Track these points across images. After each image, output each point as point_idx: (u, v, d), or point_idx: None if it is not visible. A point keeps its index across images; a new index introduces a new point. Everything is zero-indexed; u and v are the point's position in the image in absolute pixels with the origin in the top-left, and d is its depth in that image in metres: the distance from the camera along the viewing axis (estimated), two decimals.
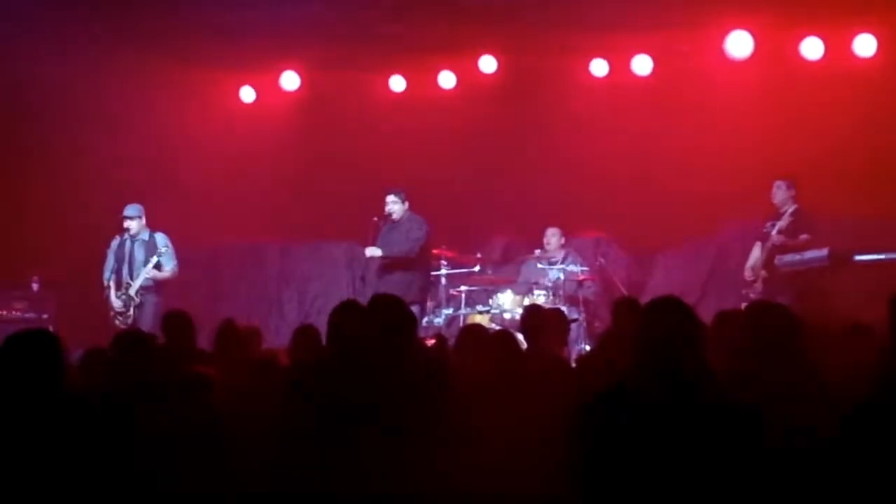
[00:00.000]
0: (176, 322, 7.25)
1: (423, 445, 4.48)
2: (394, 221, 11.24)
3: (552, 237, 12.34)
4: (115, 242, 11.35)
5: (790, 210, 10.60)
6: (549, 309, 8.07)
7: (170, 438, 4.47)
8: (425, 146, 13.40)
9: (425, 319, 11.61)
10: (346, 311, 5.23)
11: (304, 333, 6.57)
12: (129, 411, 4.47)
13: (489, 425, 4.87)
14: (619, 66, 13.05)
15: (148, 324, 10.72)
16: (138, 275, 11.08)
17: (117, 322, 11.05)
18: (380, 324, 4.98)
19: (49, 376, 4.21)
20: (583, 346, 11.11)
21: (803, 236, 10.34)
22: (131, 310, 11.07)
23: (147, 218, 11.32)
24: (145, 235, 11.25)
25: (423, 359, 5.30)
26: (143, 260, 11.11)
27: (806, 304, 9.44)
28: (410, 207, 11.32)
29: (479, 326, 7.57)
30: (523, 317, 7.05)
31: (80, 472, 4.01)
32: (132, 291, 11.07)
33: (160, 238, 11.21)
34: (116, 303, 11.13)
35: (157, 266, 11.11)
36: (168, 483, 4.36)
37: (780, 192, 10.72)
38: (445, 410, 4.71)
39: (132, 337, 5.96)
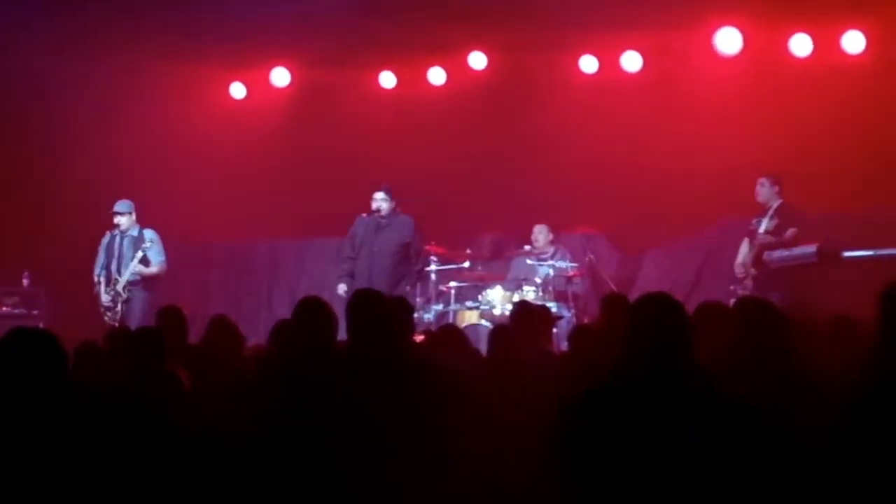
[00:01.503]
0: (169, 317, 7.26)
1: (409, 442, 4.48)
2: (377, 219, 11.16)
3: (539, 234, 12.36)
4: (105, 239, 11.36)
5: (775, 206, 10.63)
6: (536, 306, 8.09)
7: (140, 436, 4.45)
8: (415, 142, 13.41)
9: (415, 315, 11.63)
10: (317, 309, 5.20)
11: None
12: (125, 407, 4.46)
13: (479, 422, 4.88)
14: (609, 62, 13.05)
15: (136, 319, 10.73)
16: (126, 270, 11.09)
17: (106, 318, 11.06)
18: (363, 320, 4.95)
19: (53, 375, 4.18)
20: None
21: (790, 230, 10.35)
22: (119, 305, 11.07)
23: (137, 214, 11.32)
24: (135, 232, 11.25)
25: (411, 355, 5.28)
26: (132, 256, 11.11)
27: (794, 300, 9.48)
28: (397, 205, 11.28)
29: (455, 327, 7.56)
30: (513, 313, 7.07)
31: (81, 469, 4.01)
32: (119, 287, 11.07)
33: (148, 234, 11.22)
34: (105, 298, 11.13)
35: (144, 261, 11.10)
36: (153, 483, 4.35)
37: (763, 190, 10.75)
38: (434, 407, 4.71)
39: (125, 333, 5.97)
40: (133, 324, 10.45)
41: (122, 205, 11.26)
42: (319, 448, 4.45)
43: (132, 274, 11.08)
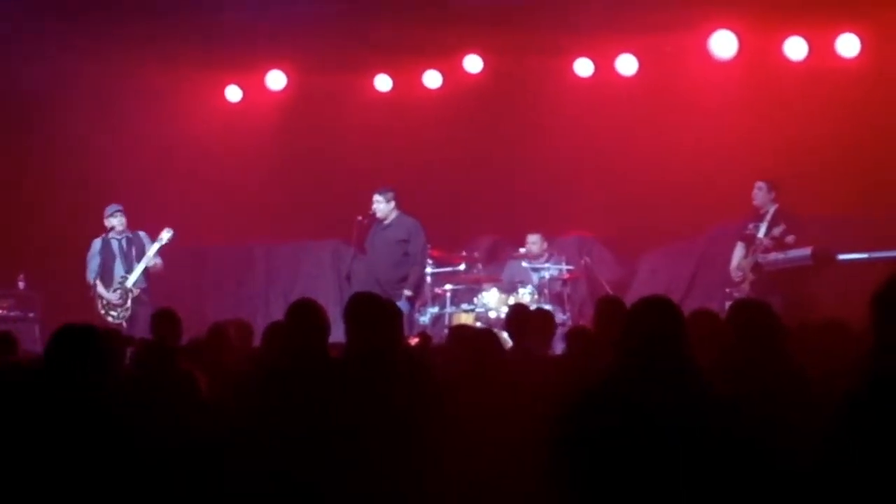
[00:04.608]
0: (165, 320, 7.26)
1: (404, 446, 4.48)
2: (380, 221, 11.17)
3: (533, 245, 12.19)
4: (97, 244, 11.36)
5: (772, 210, 10.61)
6: (537, 310, 8.08)
7: (159, 436, 4.47)
8: (411, 145, 13.42)
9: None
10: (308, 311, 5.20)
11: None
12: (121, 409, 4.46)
13: (473, 425, 4.88)
14: (604, 66, 13.08)
15: (145, 318, 10.72)
16: (137, 266, 11.11)
17: (110, 317, 11.03)
18: (358, 322, 4.95)
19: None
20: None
21: (789, 238, 10.31)
22: (129, 302, 11.08)
23: (131, 217, 11.36)
24: (128, 233, 11.30)
25: (406, 358, 5.28)
26: (136, 254, 11.17)
27: (789, 303, 9.49)
28: (399, 206, 11.23)
29: (465, 327, 7.57)
30: (508, 316, 7.08)
31: (79, 470, 4.02)
32: (130, 283, 11.08)
33: (143, 235, 11.27)
34: (112, 296, 11.12)
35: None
36: (157, 483, 4.36)
37: (760, 194, 10.71)
38: (428, 410, 4.71)
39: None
40: (142, 323, 10.41)
41: (115, 207, 11.31)
42: (312, 449, 4.46)
43: (148, 266, 11.12)
